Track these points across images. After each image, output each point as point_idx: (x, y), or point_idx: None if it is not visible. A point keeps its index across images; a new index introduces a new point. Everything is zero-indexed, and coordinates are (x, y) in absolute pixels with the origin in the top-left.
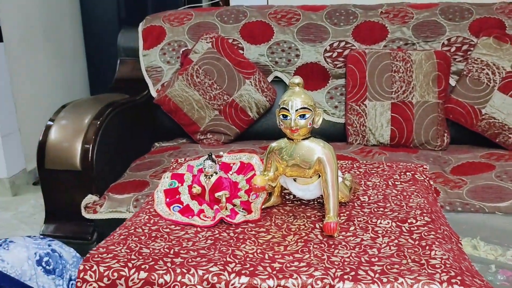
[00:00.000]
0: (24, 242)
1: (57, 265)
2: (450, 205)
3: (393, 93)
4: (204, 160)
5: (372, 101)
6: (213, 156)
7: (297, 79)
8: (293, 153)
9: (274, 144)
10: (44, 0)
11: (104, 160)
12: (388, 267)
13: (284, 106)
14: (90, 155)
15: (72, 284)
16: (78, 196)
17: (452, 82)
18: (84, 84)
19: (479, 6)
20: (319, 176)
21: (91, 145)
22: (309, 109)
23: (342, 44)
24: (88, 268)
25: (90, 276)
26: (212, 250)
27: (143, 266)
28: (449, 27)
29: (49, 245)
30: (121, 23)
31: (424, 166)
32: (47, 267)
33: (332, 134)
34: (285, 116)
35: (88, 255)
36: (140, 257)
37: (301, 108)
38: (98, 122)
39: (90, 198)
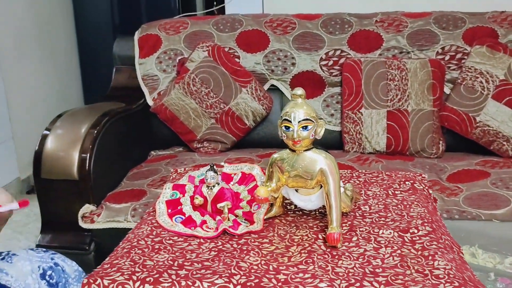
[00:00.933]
0: (27, 255)
1: (60, 279)
2: (447, 213)
3: (389, 101)
4: (206, 171)
5: (368, 109)
6: (215, 167)
7: (300, 91)
8: (295, 164)
9: (276, 155)
10: (37, 8)
11: (101, 169)
12: (393, 278)
13: (287, 118)
14: (87, 164)
15: None
16: (75, 206)
17: (447, 90)
18: (78, 92)
19: (471, 15)
20: (321, 186)
21: (88, 154)
22: (312, 121)
23: (338, 52)
24: (92, 281)
25: None
26: (216, 261)
27: (147, 279)
28: (443, 36)
29: (52, 259)
30: (115, 32)
31: (423, 175)
32: (51, 280)
33: (328, 142)
34: (287, 128)
35: (92, 272)
36: (145, 270)
37: (303, 120)
38: (95, 131)
39: (87, 208)
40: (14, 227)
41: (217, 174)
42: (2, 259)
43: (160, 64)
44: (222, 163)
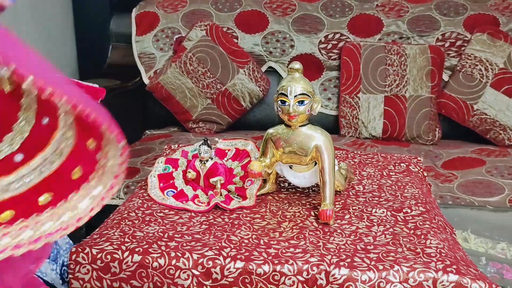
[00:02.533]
0: None
1: (52, 249)
2: (441, 199)
3: (387, 86)
4: (200, 145)
5: (365, 93)
6: (209, 142)
7: (297, 65)
8: (290, 140)
9: (271, 130)
10: None
11: None
12: (384, 255)
13: (283, 92)
14: None
15: (64, 270)
16: None
17: (445, 77)
18: (73, 69)
19: (473, 2)
20: (315, 163)
21: None
22: (308, 96)
23: (337, 36)
24: (80, 250)
25: (83, 258)
26: (207, 234)
27: (137, 249)
28: (444, 22)
29: None
30: (112, 9)
31: (418, 158)
32: None
33: (324, 126)
34: (283, 102)
35: (81, 242)
36: (134, 240)
37: (300, 94)
38: None
39: None
40: None
41: (211, 149)
42: None
43: (157, 42)
44: (216, 139)
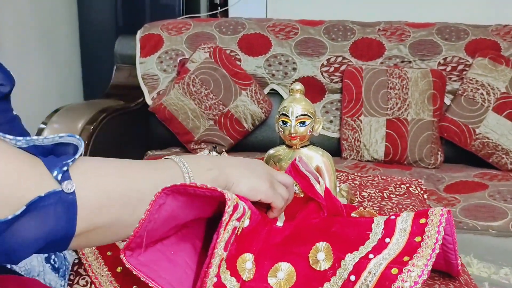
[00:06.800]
0: None
1: (62, 265)
2: None
3: (389, 109)
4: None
5: (367, 116)
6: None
7: (298, 85)
8: (291, 161)
9: (271, 150)
10: (41, 4)
11: None
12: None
13: (284, 112)
14: None
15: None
16: None
17: (447, 101)
18: (77, 89)
19: (475, 27)
20: None
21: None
22: (309, 116)
23: (339, 59)
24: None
25: (84, 270)
26: None
27: None
28: (445, 47)
29: None
30: (118, 31)
31: (419, 180)
32: (55, 265)
33: (326, 149)
34: (284, 123)
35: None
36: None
37: (301, 115)
38: (91, 127)
39: None
40: None
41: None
42: None
43: (161, 64)
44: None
